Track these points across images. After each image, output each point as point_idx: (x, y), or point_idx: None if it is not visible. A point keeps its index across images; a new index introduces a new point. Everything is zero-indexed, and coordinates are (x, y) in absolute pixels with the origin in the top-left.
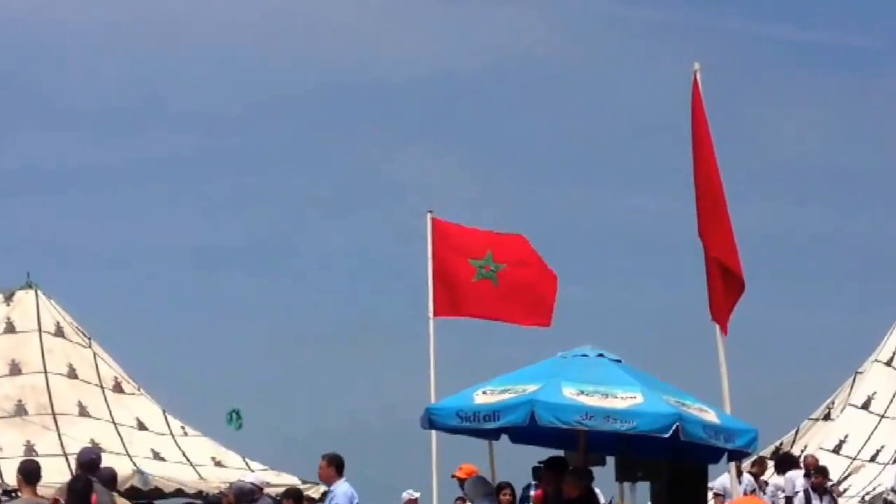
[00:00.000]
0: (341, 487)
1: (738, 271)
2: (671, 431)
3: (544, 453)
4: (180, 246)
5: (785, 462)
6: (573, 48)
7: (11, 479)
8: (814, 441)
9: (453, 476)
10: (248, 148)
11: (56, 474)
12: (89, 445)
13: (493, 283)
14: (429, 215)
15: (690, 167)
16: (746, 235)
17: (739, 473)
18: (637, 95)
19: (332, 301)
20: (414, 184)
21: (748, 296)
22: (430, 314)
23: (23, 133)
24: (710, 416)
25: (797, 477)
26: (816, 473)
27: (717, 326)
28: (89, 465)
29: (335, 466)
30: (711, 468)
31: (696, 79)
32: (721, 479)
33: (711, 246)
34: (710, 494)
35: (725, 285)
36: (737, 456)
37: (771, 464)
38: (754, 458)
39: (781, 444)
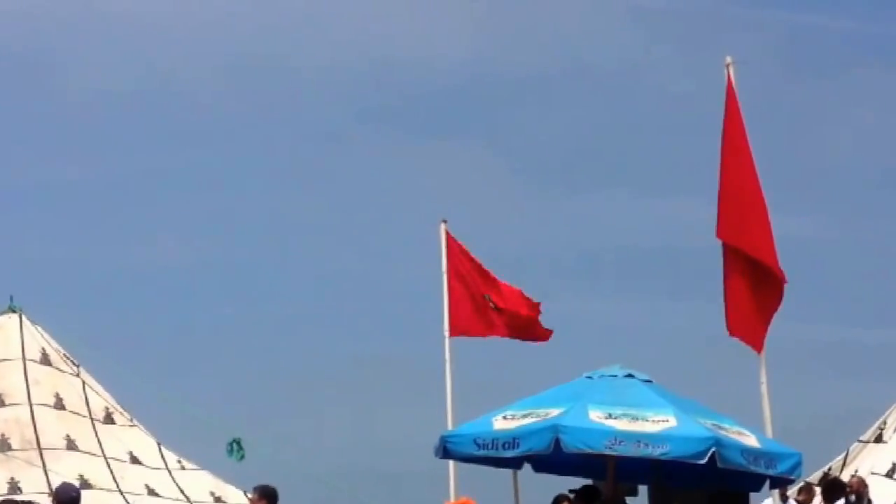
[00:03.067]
0: None
1: (780, 276)
2: (707, 457)
3: (570, 483)
4: (174, 268)
5: (832, 489)
6: (598, 43)
7: None
8: (865, 465)
9: None
10: (241, 159)
11: None
12: (68, 481)
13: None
14: (443, 225)
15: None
16: (787, 244)
17: (786, 500)
18: (669, 91)
19: (340, 322)
20: (427, 189)
21: (791, 310)
22: (446, 333)
23: (9, 149)
24: (750, 440)
25: None
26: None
27: (745, 344)
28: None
29: (267, 500)
30: (754, 497)
31: (728, 74)
32: (766, 502)
33: (747, 247)
34: None
35: (756, 297)
36: (779, 483)
37: (818, 491)
38: (801, 484)
39: (830, 469)
